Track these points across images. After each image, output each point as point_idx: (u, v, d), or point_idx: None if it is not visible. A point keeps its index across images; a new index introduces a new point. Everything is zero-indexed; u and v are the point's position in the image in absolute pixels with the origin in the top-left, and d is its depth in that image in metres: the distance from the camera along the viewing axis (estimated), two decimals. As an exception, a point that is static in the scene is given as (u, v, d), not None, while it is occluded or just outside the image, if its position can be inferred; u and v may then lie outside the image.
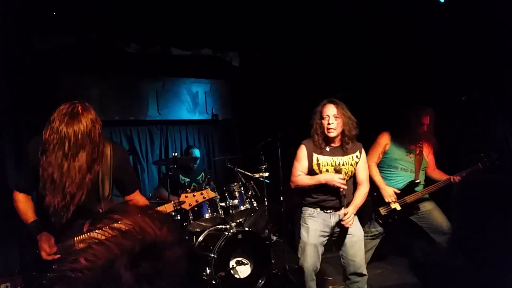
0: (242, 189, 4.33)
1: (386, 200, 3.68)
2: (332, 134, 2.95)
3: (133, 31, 5.20)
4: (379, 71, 5.82)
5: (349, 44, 5.83)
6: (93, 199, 2.28)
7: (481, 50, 4.37)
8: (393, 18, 5.01)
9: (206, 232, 4.14)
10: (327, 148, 3.03)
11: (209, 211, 4.14)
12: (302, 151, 3.05)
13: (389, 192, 3.68)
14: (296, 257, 3.25)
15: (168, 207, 2.40)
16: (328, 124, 2.93)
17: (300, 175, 3.04)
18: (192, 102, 6.05)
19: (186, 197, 2.45)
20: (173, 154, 4.42)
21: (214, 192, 2.60)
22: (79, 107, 2.18)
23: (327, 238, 3.11)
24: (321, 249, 3.11)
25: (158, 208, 2.37)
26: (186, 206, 2.43)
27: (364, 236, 3.89)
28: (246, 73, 6.33)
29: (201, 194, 2.49)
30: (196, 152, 5.15)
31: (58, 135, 2.08)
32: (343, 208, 2.91)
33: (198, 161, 5.17)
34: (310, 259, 3.06)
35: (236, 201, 4.22)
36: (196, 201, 2.46)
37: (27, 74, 4.83)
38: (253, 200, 4.36)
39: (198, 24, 5.41)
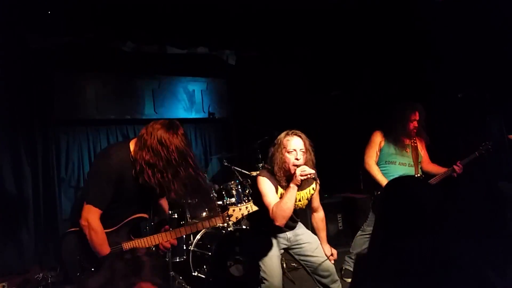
0: (239, 187, 4.33)
1: None
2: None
3: (129, 30, 5.18)
4: (375, 69, 5.83)
5: (345, 42, 5.83)
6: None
7: (477, 48, 4.39)
8: (390, 16, 5.01)
9: (203, 230, 4.15)
10: (286, 184, 2.75)
11: (206, 209, 4.15)
12: (267, 184, 2.73)
13: None
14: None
15: (217, 221, 2.49)
16: (296, 159, 2.69)
17: (273, 208, 2.68)
18: (188, 101, 6.03)
19: (233, 210, 2.49)
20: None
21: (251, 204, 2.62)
22: (178, 124, 2.26)
23: (283, 251, 2.97)
24: (280, 264, 2.96)
25: (210, 221, 2.50)
26: (233, 219, 2.49)
27: (361, 235, 3.95)
28: (243, 71, 6.33)
29: (246, 208, 2.52)
30: None
31: (177, 152, 2.15)
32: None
33: None
34: (276, 273, 2.85)
35: (233, 200, 4.23)
36: (242, 214, 2.51)
37: (23, 74, 4.81)
38: (250, 198, 4.36)
39: (194, 23, 5.39)
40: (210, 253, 3.79)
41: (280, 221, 2.65)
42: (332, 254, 2.96)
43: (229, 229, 3.96)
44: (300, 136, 2.76)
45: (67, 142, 5.17)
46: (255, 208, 2.53)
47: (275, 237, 2.91)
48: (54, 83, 5.04)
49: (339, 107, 6.43)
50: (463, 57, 4.53)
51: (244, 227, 4.22)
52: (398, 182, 1.45)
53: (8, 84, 4.69)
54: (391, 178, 3.66)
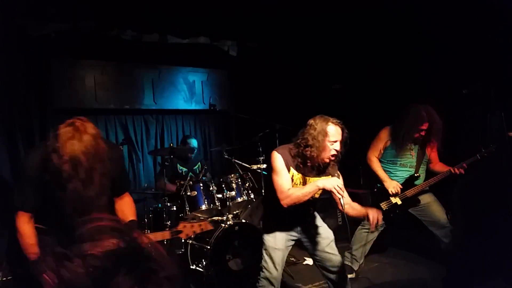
0: (239, 180, 4.28)
1: (390, 191, 3.68)
2: (330, 161, 2.61)
3: (129, 18, 5.09)
4: (378, 63, 5.76)
5: (348, 35, 5.76)
6: None
7: (482, 44, 4.33)
8: (394, 10, 4.94)
9: (202, 223, 4.10)
10: (304, 171, 2.67)
11: (205, 202, 4.10)
12: (280, 161, 2.59)
13: (393, 184, 3.72)
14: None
15: (165, 235, 2.44)
16: (335, 150, 2.56)
17: (291, 190, 2.57)
18: (188, 92, 5.96)
19: (184, 226, 2.42)
20: (170, 144, 4.34)
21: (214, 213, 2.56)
22: (80, 125, 2.06)
23: (293, 243, 2.92)
24: (286, 256, 2.92)
25: (155, 234, 2.44)
26: (183, 236, 2.42)
27: (362, 230, 3.92)
28: (244, 63, 6.25)
29: (200, 225, 2.46)
30: (194, 143, 5.09)
31: (69, 162, 1.96)
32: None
33: (195, 151, 5.12)
34: (279, 267, 2.83)
35: (233, 193, 4.18)
36: (194, 232, 2.44)
37: (20, 62, 4.73)
38: (250, 191, 4.32)
39: (195, 12, 5.31)
40: (208, 247, 3.75)
41: (287, 204, 2.55)
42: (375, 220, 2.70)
43: (228, 222, 3.91)
44: (342, 128, 2.60)
45: (65, 132, 5.09)
46: (209, 227, 2.50)
47: (286, 229, 2.85)
48: (52, 72, 4.96)
49: (340, 101, 6.37)
50: (467, 52, 4.48)
51: (243, 220, 4.18)
52: None
53: (5, 72, 4.62)
54: (391, 176, 3.74)
